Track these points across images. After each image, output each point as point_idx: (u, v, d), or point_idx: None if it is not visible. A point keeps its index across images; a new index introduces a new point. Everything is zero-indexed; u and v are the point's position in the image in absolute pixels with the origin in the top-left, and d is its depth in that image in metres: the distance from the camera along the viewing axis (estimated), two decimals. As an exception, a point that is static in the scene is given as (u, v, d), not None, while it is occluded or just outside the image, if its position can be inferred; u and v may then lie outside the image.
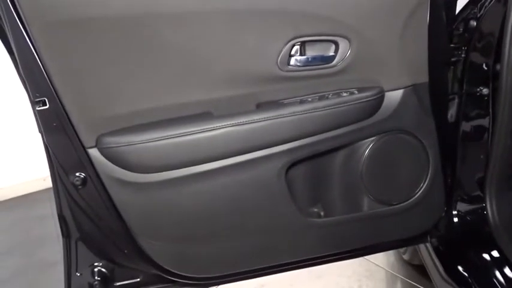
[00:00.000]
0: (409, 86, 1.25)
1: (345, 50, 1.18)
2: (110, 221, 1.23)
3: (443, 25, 1.25)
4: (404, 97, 1.25)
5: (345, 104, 1.21)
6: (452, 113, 1.39)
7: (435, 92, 1.28)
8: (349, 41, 1.16)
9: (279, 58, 1.16)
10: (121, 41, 1.07)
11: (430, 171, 1.35)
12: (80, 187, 1.17)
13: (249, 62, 1.16)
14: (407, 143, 1.32)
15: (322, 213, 1.40)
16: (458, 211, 1.43)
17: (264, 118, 1.18)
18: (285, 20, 1.12)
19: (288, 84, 1.22)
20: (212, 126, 1.17)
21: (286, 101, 1.23)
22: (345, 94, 1.23)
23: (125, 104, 1.16)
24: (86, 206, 1.21)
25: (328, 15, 1.13)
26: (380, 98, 1.24)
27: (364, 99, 1.22)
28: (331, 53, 1.20)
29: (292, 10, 1.11)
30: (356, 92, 1.23)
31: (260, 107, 1.21)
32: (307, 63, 1.20)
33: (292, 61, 1.19)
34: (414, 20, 1.16)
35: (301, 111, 1.19)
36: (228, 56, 1.14)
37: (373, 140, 1.30)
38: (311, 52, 1.20)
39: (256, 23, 1.12)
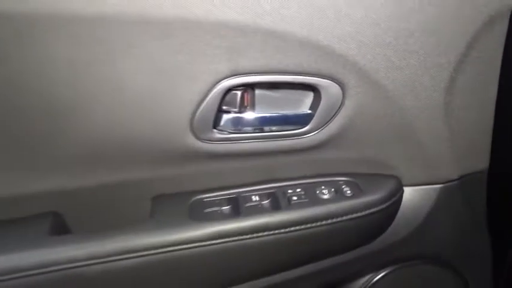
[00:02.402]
0: (452, 181, 0.65)
1: (331, 104, 0.58)
2: None
3: None
4: (439, 199, 0.66)
5: (326, 219, 0.60)
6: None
7: (498, 188, 0.69)
8: (343, 89, 0.57)
9: (196, 116, 0.55)
10: None
11: None
12: None
13: (133, 123, 0.54)
14: (440, 281, 0.72)
15: None
16: None
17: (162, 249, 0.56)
18: (217, 43, 0.52)
19: (212, 165, 0.60)
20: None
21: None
22: (325, 193, 0.62)
23: None
24: None
25: (312, 38, 0.53)
26: (394, 203, 0.64)
27: (365, 209, 0.61)
28: (304, 110, 0.60)
29: (237, 24, 0.51)
30: (347, 190, 0.62)
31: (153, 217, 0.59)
32: (255, 126, 0.59)
33: (225, 122, 0.58)
34: (481, 60, 0.58)
35: (239, 233, 0.58)
36: (95, 107, 0.52)
37: (376, 277, 0.69)
38: (264, 105, 0.60)
39: (154, 45, 0.51)
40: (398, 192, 0.63)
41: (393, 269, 0.71)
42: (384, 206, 0.61)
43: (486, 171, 0.67)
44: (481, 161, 0.66)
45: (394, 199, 0.62)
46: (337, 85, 0.56)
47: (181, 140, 0.56)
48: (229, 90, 0.55)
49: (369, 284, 0.71)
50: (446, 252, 0.71)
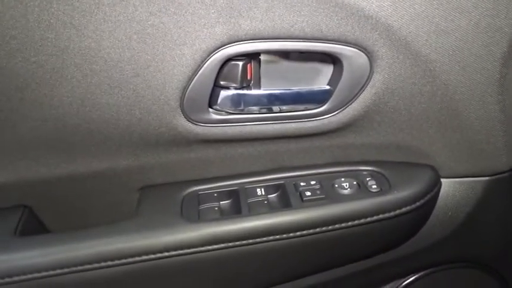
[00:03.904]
0: (501, 173, 0.53)
1: (356, 78, 0.46)
2: None
3: None
4: (485, 194, 0.54)
5: (346, 221, 0.49)
6: None
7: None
8: (371, 59, 0.45)
9: (188, 93, 0.44)
10: None
11: None
12: None
13: (109, 101, 0.44)
14: (478, 286, 0.61)
15: None
16: None
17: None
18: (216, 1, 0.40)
19: (209, 152, 0.50)
20: None
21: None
22: (345, 187, 0.51)
23: None
24: None
25: None
26: (430, 200, 0.53)
27: (395, 209, 0.50)
28: (321, 85, 0.48)
29: None
30: (373, 184, 0.51)
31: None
32: (260, 105, 0.48)
33: (223, 100, 0.47)
34: None
35: (244, 239, 0.47)
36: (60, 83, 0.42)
37: (404, 283, 0.58)
38: (271, 80, 0.48)
39: (132, 3, 0.40)
40: (435, 186, 0.52)
41: (424, 273, 0.60)
42: (418, 204, 0.50)
43: None
44: None
45: (430, 195, 0.51)
46: (364, 54, 0.44)
47: (170, 122, 0.45)
48: (228, 60, 0.44)
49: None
50: (489, 255, 0.60)
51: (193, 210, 0.49)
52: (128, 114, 0.44)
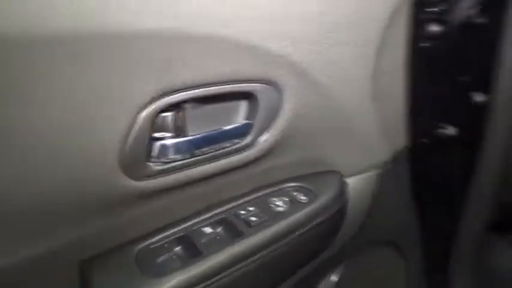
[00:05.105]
0: (387, 163, 0.66)
1: (270, 109, 0.53)
2: None
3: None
4: (379, 183, 0.66)
5: (292, 232, 0.54)
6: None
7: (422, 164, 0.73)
8: (281, 92, 0.52)
9: (125, 150, 0.45)
10: None
11: None
12: None
13: (44, 170, 0.42)
14: (394, 263, 0.73)
15: None
16: None
17: None
18: (141, 59, 0.43)
19: (154, 203, 0.51)
20: None
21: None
22: (280, 205, 0.57)
23: None
24: None
25: (246, 40, 0.48)
26: (345, 199, 0.62)
27: (325, 212, 0.58)
28: (242, 122, 0.54)
29: (161, 34, 0.42)
30: (301, 196, 0.59)
31: None
32: (193, 149, 0.51)
33: (159, 151, 0.49)
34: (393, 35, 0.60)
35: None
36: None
37: (338, 273, 0.66)
38: (198, 124, 0.52)
39: (65, 69, 0.39)
40: (344, 187, 0.62)
41: (350, 261, 0.69)
42: (339, 204, 0.59)
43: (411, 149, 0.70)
44: (406, 139, 0.69)
45: (344, 195, 0.61)
46: (274, 88, 0.52)
47: (111, 183, 0.45)
48: (160, 112, 0.46)
49: (333, 282, 0.69)
50: (395, 235, 0.73)
51: (152, 266, 0.48)
52: (64, 181, 0.43)
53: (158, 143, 0.48)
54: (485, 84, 0.71)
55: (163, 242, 0.51)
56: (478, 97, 0.76)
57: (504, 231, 1.06)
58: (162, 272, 0.47)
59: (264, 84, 0.51)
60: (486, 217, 0.82)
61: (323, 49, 0.53)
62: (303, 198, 0.57)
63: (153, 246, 0.51)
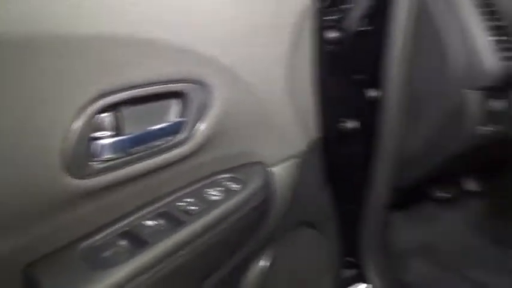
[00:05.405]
0: (304, 151, 0.75)
1: (199, 107, 0.58)
2: None
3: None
4: (298, 171, 0.75)
5: (227, 218, 0.60)
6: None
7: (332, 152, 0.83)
8: (208, 90, 0.58)
9: (66, 150, 0.46)
10: None
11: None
12: None
13: None
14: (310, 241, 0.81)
15: None
16: None
17: None
18: (77, 62, 0.45)
19: (97, 202, 0.52)
20: None
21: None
22: (216, 194, 0.62)
23: None
24: None
25: (174, 42, 0.52)
26: (271, 186, 0.69)
27: (256, 199, 0.64)
28: (175, 119, 0.58)
29: (94, 37, 0.45)
30: (233, 185, 0.64)
31: None
32: (131, 146, 0.54)
33: (100, 150, 0.51)
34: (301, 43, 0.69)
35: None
36: None
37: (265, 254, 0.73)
38: (135, 123, 0.55)
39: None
40: (269, 175, 0.69)
41: (279, 243, 0.76)
42: (266, 191, 0.65)
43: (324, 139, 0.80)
44: (318, 132, 0.78)
45: (269, 182, 0.67)
46: (203, 88, 0.57)
47: (54, 182, 0.46)
48: (99, 112, 0.49)
49: (264, 264, 0.75)
50: (314, 217, 0.82)
51: (99, 261, 0.50)
52: (4, 185, 0.43)
53: (98, 143, 0.50)
54: (377, 81, 0.84)
55: (109, 237, 0.53)
56: (372, 93, 0.89)
57: (399, 209, 1.22)
58: (110, 265, 0.49)
59: (194, 84, 0.56)
60: (386, 199, 0.95)
61: (245, 50, 0.59)
62: (234, 186, 0.63)
63: (98, 242, 0.52)
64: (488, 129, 0.84)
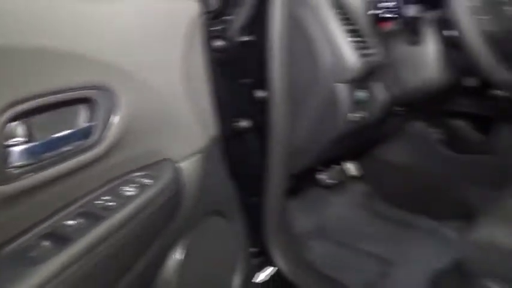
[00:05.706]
0: (206, 146, 0.83)
1: (107, 112, 0.63)
2: None
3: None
4: (203, 165, 0.82)
5: (142, 212, 0.65)
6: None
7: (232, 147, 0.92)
8: (114, 95, 0.63)
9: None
10: None
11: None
12: None
13: None
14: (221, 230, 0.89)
15: None
16: None
17: None
18: None
19: (16, 207, 0.54)
20: None
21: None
22: (130, 190, 0.67)
23: None
24: None
25: (73, 51, 0.57)
26: (180, 181, 0.76)
27: (168, 192, 0.71)
28: (86, 124, 0.62)
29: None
30: (146, 181, 0.69)
31: None
32: (45, 151, 0.57)
33: (15, 157, 0.53)
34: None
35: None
36: None
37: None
38: (46, 129, 0.58)
39: None
40: (177, 170, 0.75)
41: (192, 233, 0.83)
42: (176, 185, 0.72)
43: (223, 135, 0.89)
44: (217, 129, 0.87)
45: (178, 177, 0.74)
46: (108, 93, 0.62)
47: None
48: (11, 120, 0.51)
49: (180, 257, 0.81)
50: (221, 207, 0.90)
51: (24, 263, 0.51)
52: None
53: (12, 149, 0.53)
54: (264, 82, 0.96)
55: (33, 240, 0.55)
56: (260, 93, 1.01)
57: (296, 197, 1.37)
58: (34, 264, 0.52)
59: (99, 90, 0.61)
60: (283, 187, 1.07)
61: (143, 58, 0.66)
62: (147, 181, 0.69)
63: (23, 245, 0.54)
64: (356, 115, 1.01)
